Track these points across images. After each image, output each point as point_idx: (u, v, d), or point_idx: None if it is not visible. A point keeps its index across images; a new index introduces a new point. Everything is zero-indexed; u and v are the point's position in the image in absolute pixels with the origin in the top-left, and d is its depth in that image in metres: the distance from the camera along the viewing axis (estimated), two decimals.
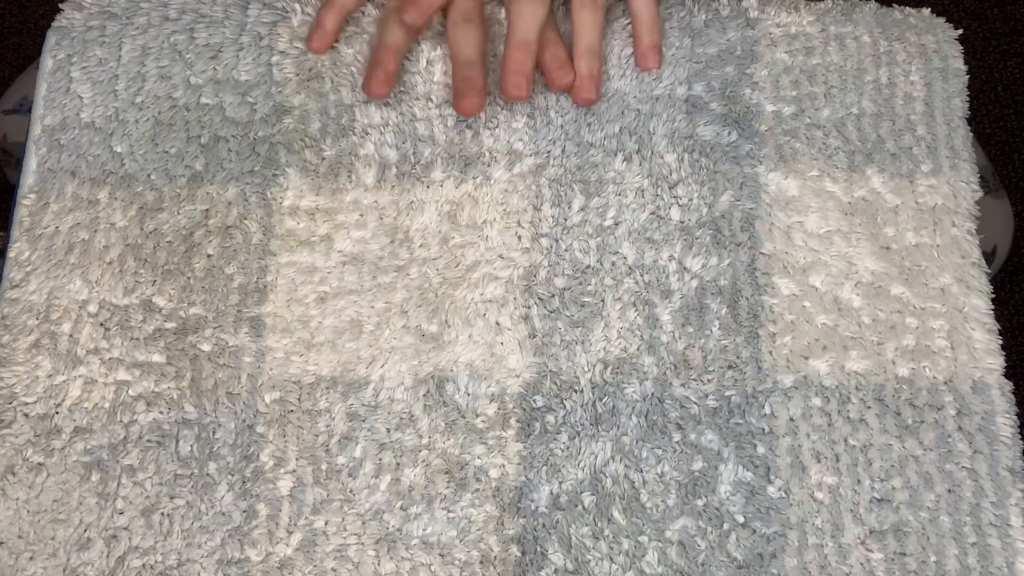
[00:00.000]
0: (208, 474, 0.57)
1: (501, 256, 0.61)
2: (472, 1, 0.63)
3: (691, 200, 0.62)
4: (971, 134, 0.66)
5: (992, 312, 0.61)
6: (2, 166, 0.91)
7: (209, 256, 0.61)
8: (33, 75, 0.89)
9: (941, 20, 0.69)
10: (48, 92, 0.64)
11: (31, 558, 0.55)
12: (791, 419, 0.58)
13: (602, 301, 0.60)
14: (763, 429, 0.58)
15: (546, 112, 0.64)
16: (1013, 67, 1.44)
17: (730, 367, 0.59)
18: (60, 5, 0.66)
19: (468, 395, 0.59)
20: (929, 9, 0.69)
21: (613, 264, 0.61)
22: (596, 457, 0.58)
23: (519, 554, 0.56)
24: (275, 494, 0.56)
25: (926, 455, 0.58)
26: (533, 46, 0.62)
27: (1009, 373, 0.60)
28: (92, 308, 0.60)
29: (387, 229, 0.62)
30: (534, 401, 0.58)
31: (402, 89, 0.64)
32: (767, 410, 0.58)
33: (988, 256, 0.87)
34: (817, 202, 0.63)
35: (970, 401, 0.59)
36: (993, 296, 0.62)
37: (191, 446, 0.57)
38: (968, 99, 0.67)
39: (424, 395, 0.59)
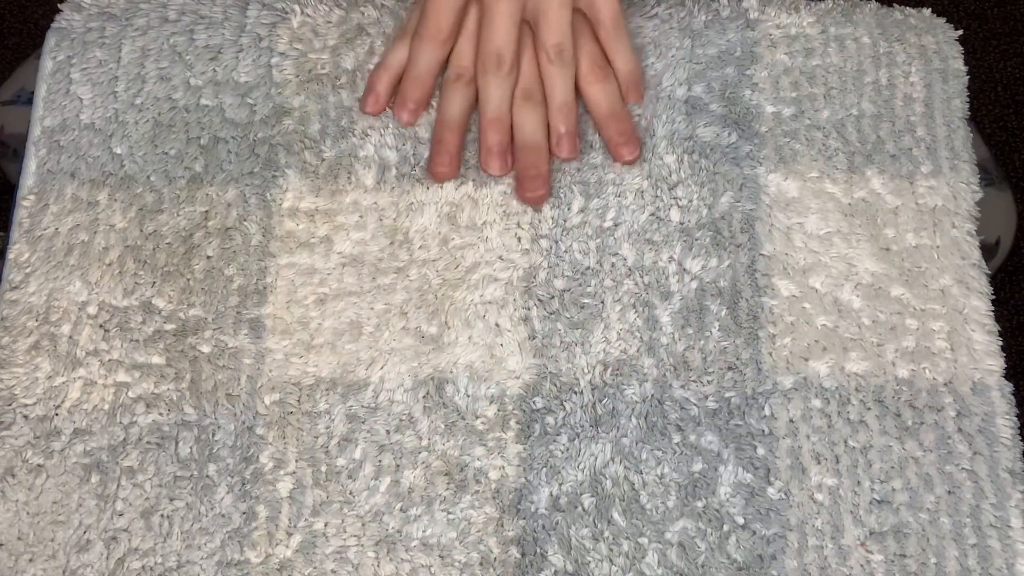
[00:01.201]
0: (208, 476, 0.57)
1: (501, 258, 0.61)
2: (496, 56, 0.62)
3: (691, 201, 0.62)
4: (971, 135, 0.66)
5: (992, 313, 0.61)
6: None
7: (209, 258, 0.61)
8: (31, 66, 0.89)
9: (941, 21, 0.69)
10: (48, 93, 0.64)
11: (31, 560, 0.55)
12: (791, 420, 0.58)
13: (602, 303, 0.60)
14: (763, 431, 0.58)
15: None
16: (1013, 67, 1.44)
17: (730, 368, 0.59)
18: (59, 5, 0.66)
19: (468, 397, 0.59)
20: (929, 9, 0.69)
21: (613, 266, 0.61)
22: (596, 459, 0.58)
23: (519, 556, 0.56)
24: (275, 496, 0.56)
25: (926, 456, 0.58)
26: (507, 121, 0.63)
27: (1009, 374, 0.60)
28: (92, 310, 0.60)
29: (387, 230, 0.62)
30: (534, 403, 0.58)
31: None
32: (767, 411, 0.58)
33: (991, 248, 0.87)
34: (817, 203, 0.63)
35: (970, 403, 0.59)
36: (993, 298, 0.62)
37: (191, 448, 0.57)
38: (968, 100, 0.67)
39: (424, 397, 0.59)
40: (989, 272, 0.63)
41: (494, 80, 0.62)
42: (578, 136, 0.63)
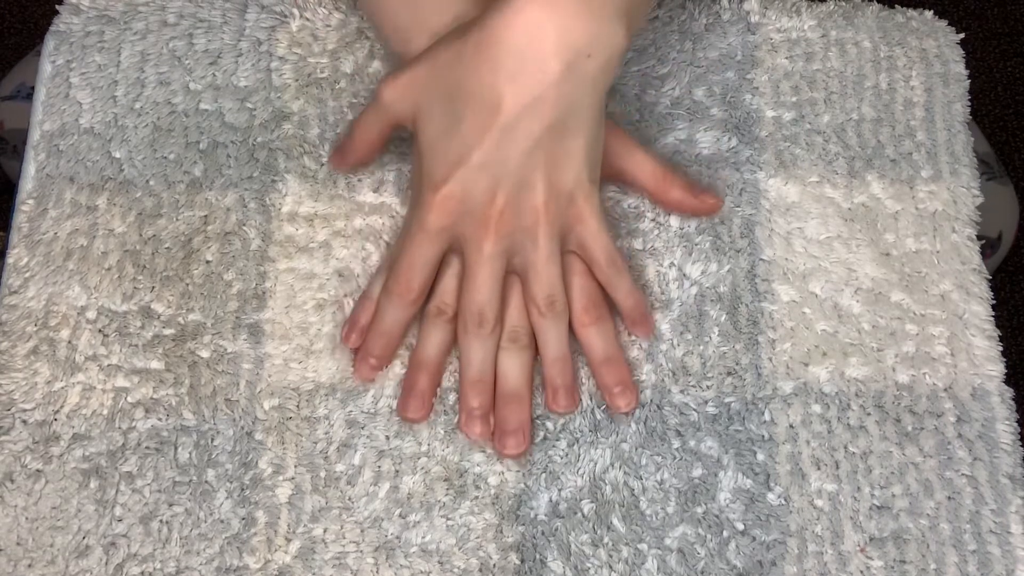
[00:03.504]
0: (207, 481, 0.57)
1: None
2: (484, 305, 0.57)
3: None
4: (971, 139, 0.66)
5: (992, 319, 0.61)
6: None
7: (208, 262, 0.61)
8: (31, 62, 0.89)
9: (943, 24, 0.68)
10: (47, 97, 0.64)
11: (29, 565, 0.55)
12: (791, 426, 0.58)
13: None
14: (763, 436, 0.58)
15: None
16: (1013, 67, 1.44)
17: (729, 374, 0.59)
18: (58, 7, 0.66)
19: None
20: (931, 12, 0.69)
21: None
22: (595, 464, 0.58)
23: (518, 562, 0.56)
24: (274, 501, 0.56)
25: (926, 462, 0.58)
26: (490, 382, 0.58)
27: (1009, 375, 0.60)
28: (91, 314, 0.59)
29: (387, 234, 0.62)
30: (533, 408, 0.58)
31: None
32: (767, 417, 0.58)
33: (994, 241, 0.87)
34: (817, 208, 0.63)
35: (970, 408, 0.59)
36: (993, 302, 0.62)
37: (190, 453, 0.57)
38: (969, 102, 0.66)
39: None
40: (991, 270, 0.63)
41: (476, 340, 0.57)
42: (576, 388, 0.59)
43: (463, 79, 0.53)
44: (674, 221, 0.62)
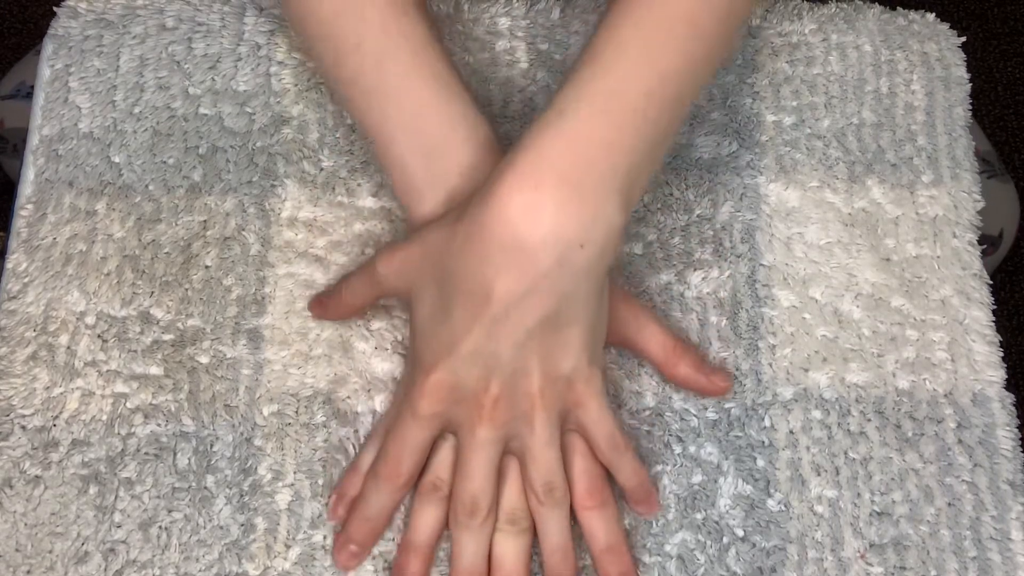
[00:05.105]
0: (206, 487, 0.56)
1: None
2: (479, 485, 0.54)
3: (691, 211, 0.62)
4: (973, 142, 0.65)
5: (993, 324, 0.61)
6: None
7: (207, 267, 0.61)
8: (31, 61, 0.89)
9: (945, 27, 0.68)
10: (46, 102, 0.64)
11: (28, 571, 0.55)
12: (791, 432, 0.58)
13: None
14: (763, 442, 0.58)
15: None
16: (1013, 67, 1.44)
17: None
18: (56, 9, 0.66)
19: None
20: (934, 14, 0.68)
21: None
22: None
23: None
24: (273, 508, 0.56)
25: (926, 468, 0.58)
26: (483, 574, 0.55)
27: (1009, 381, 0.60)
28: (90, 320, 0.59)
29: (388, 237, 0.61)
30: None
31: None
32: (767, 423, 0.58)
33: (995, 239, 0.87)
34: (817, 213, 0.62)
35: (970, 414, 0.59)
36: (994, 306, 0.61)
37: (189, 459, 0.57)
38: (971, 106, 0.66)
39: None
40: (991, 268, 0.63)
41: (467, 532, 0.54)
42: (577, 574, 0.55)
43: (454, 267, 0.51)
44: (676, 224, 0.62)
